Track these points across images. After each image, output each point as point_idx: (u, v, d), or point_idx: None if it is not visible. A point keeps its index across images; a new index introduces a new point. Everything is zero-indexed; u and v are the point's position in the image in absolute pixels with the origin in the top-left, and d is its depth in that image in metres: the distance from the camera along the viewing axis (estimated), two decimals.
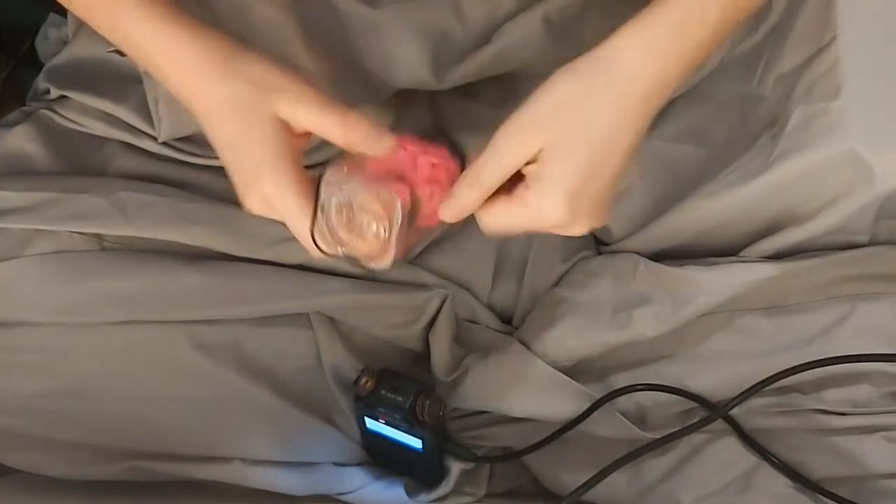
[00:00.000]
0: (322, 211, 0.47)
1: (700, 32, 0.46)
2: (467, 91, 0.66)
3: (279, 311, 0.62)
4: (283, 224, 0.49)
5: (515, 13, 0.61)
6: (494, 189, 0.48)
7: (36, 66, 0.73)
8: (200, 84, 0.48)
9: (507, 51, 0.61)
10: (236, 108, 0.48)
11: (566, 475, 0.65)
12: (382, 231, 0.48)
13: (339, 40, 0.61)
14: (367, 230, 0.48)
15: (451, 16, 0.61)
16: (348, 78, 0.59)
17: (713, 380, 0.63)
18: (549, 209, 0.46)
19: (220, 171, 0.64)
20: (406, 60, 0.60)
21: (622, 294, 0.64)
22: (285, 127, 0.48)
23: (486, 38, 0.61)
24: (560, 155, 0.46)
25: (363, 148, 0.48)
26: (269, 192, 0.47)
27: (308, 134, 0.49)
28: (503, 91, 0.68)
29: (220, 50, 0.49)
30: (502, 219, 0.48)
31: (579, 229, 0.48)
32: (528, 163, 0.47)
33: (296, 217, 0.48)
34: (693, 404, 0.63)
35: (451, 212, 0.48)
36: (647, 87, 0.46)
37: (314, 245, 0.48)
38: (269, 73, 0.48)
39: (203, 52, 0.48)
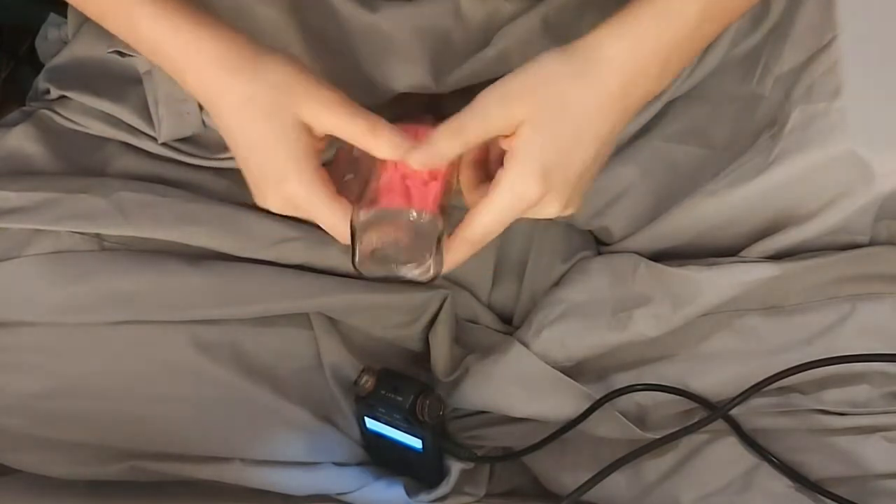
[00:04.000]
0: (359, 252, 0.48)
1: (679, 25, 0.48)
2: (467, 94, 0.65)
3: (279, 311, 0.62)
4: (301, 221, 0.50)
5: (515, 15, 0.61)
6: (471, 146, 0.49)
7: (36, 66, 0.74)
8: (222, 82, 0.48)
9: (506, 53, 0.61)
10: (260, 109, 0.48)
11: (566, 475, 0.65)
12: (427, 257, 0.48)
13: (339, 43, 0.61)
14: (414, 267, 0.49)
15: (450, 18, 0.61)
16: (348, 81, 0.59)
17: (713, 380, 0.63)
18: (523, 184, 0.48)
19: (220, 171, 0.64)
20: (405, 64, 0.60)
21: (622, 294, 0.64)
22: (307, 130, 0.49)
23: (485, 40, 0.61)
24: (539, 128, 0.48)
25: (389, 155, 0.49)
26: (297, 193, 0.49)
27: (327, 137, 0.50)
28: None
29: (242, 50, 0.49)
30: (484, 218, 0.49)
31: (551, 210, 0.50)
32: (506, 136, 0.48)
33: (334, 216, 0.49)
34: (693, 404, 0.63)
35: (423, 157, 0.48)
36: (625, 77, 0.48)
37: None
38: (292, 76, 0.48)
39: (224, 51, 0.49)
